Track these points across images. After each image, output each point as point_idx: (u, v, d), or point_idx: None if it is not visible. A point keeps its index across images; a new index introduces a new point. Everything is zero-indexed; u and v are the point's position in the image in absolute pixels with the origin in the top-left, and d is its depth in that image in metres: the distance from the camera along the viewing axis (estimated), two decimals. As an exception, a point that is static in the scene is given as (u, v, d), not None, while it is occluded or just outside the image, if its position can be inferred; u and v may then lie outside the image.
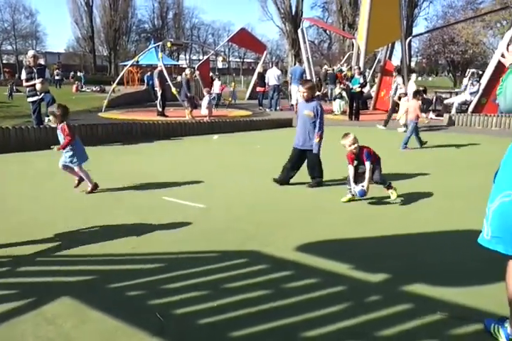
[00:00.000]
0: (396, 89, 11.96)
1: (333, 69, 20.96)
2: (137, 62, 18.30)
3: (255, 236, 3.77)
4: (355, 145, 4.75)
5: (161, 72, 13.60)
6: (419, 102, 8.74)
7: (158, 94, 13.28)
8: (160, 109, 13.37)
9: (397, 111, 11.33)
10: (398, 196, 4.86)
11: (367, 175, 4.68)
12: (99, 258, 3.34)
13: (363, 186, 4.65)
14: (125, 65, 25.91)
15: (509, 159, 2.11)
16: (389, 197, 4.86)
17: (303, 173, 5.62)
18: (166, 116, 12.99)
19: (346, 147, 4.78)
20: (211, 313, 2.55)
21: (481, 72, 15.97)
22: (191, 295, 2.75)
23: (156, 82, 13.48)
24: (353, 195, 4.84)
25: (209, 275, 3.02)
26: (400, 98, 11.23)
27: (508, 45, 2.19)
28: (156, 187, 5.41)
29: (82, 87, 29.61)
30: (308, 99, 5.43)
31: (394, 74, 13.22)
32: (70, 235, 3.76)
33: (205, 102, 12.99)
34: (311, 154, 5.47)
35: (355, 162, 4.82)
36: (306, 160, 5.57)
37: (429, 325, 2.45)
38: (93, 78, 38.82)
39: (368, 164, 4.71)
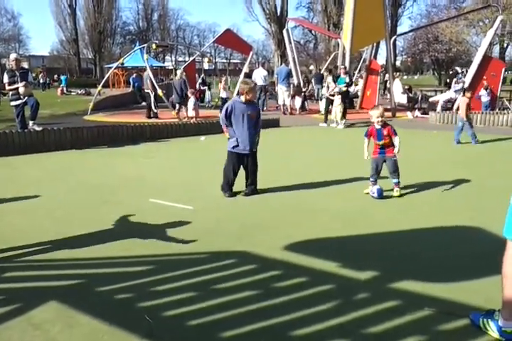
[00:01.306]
0: (328, 87, 12.68)
1: (320, 70, 21.04)
2: (122, 64, 18.15)
3: (244, 237, 3.76)
4: (382, 118, 4.96)
5: (148, 75, 13.57)
6: (467, 100, 8.92)
7: (152, 95, 13.18)
8: (155, 111, 13.27)
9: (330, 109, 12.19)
10: (400, 195, 4.98)
11: (397, 145, 4.99)
12: (86, 261, 3.31)
13: (378, 188, 4.90)
14: (110, 68, 25.70)
15: None
16: (369, 193, 4.97)
17: (290, 174, 5.61)
18: (159, 118, 12.94)
19: (373, 118, 4.96)
20: (201, 314, 2.54)
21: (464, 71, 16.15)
22: (180, 297, 2.74)
23: (148, 84, 13.42)
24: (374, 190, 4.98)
25: (198, 276, 3.01)
26: (332, 95, 12.05)
27: None
28: (144, 189, 5.38)
29: (65, 91, 29.33)
30: (249, 101, 5.06)
31: (325, 73, 13.68)
32: (57, 239, 3.71)
33: (190, 104, 12.94)
34: (253, 157, 5.17)
35: (378, 140, 5.00)
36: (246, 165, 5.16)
37: (417, 321, 2.47)
38: (78, 81, 38.51)
39: (396, 138, 5.00)
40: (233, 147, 5.06)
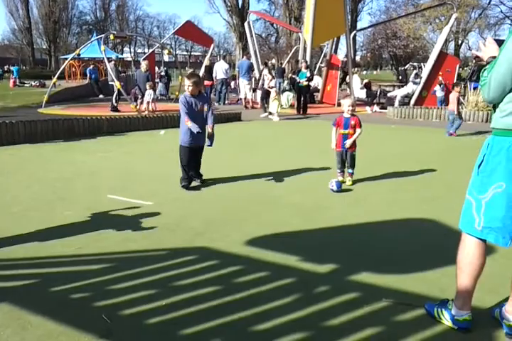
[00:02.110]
0: (264, 80, 13.32)
1: (281, 64, 21.09)
2: (79, 55, 17.55)
3: (204, 233, 3.73)
4: (353, 108, 5.18)
5: (115, 67, 13.25)
6: (457, 94, 9.51)
7: (115, 88, 12.81)
8: (115, 104, 12.94)
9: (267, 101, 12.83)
10: (352, 184, 5.22)
11: (355, 136, 5.19)
12: (40, 260, 3.18)
13: (336, 181, 5.03)
14: (66, 59, 24.87)
15: (493, 152, 2.16)
16: (328, 188, 5.04)
17: (249, 168, 5.60)
18: (119, 111, 12.63)
19: (344, 106, 5.16)
20: (161, 312, 2.50)
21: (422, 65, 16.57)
22: (139, 295, 2.68)
23: (113, 75, 13.08)
24: (343, 179, 5.30)
25: (157, 273, 2.96)
26: (270, 87, 12.67)
27: (485, 39, 2.28)
28: (101, 185, 5.23)
29: (18, 82, 28.16)
30: (196, 94, 5.09)
31: (261, 67, 14.09)
32: (8, 236, 3.56)
33: (147, 97, 12.66)
34: (201, 150, 5.31)
35: (344, 129, 5.21)
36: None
37: (375, 313, 2.52)
38: (32, 72, 37.02)
39: (358, 130, 5.20)
40: (185, 140, 5.13)
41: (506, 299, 2.38)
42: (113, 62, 13.91)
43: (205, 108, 5.12)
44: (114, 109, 12.91)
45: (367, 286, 2.82)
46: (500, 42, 2.27)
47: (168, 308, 2.54)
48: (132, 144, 8.37)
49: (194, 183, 5.31)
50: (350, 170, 5.31)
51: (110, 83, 13.35)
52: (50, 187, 5.08)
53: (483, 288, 2.42)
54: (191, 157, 5.19)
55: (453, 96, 9.49)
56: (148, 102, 12.63)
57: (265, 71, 13.57)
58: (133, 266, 3.07)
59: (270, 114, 12.62)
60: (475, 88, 13.10)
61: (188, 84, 5.02)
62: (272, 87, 12.68)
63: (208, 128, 5.15)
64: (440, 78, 14.28)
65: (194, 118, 5.02)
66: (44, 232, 3.70)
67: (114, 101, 12.96)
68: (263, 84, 13.38)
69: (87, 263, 3.15)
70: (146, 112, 12.24)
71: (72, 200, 4.61)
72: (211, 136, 5.12)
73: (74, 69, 30.43)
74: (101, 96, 18.55)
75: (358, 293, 2.73)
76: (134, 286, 2.79)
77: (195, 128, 4.91)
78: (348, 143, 5.18)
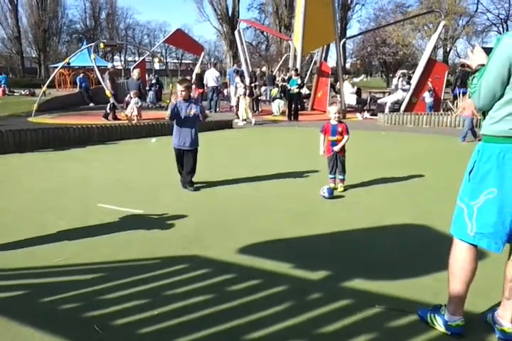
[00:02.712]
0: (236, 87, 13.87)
1: (272, 71, 21.19)
2: (68, 63, 17.53)
3: (195, 241, 3.71)
4: (339, 115, 5.22)
5: (111, 74, 13.20)
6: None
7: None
8: (108, 111, 12.86)
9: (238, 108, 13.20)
10: (344, 190, 5.21)
11: (342, 142, 5.19)
12: (30, 271, 3.14)
13: (328, 188, 5.04)
14: (56, 67, 24.78)
15: (484, 158, 2.17)
16: (320, 195, 5.04)
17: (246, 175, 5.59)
18: (108, 120, 12.58)
19: (331, 114, 5.20)
20: (153, 322, 2.47)
21: (410, 72, 16.74)
22: (131, 305, 2.65)
23: (108, 83, 13.05)
24: (335, 185, 5.29)
25: (149, 282, 2.93)
26: (244, 95, 13.06)
27: (473, 46, 2.33)
28: (92, 193, 5.20)
29: (7, 91, 27.93)
30: (187, 98, 5.36)
31: (234, 74, 14.34)
32: (-3, 248, 3.51)
33: (132, 105, 12.43)
34: (193, 154, 5.45)
35: (332, 136, 5.23)
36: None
37: (368, 319, 2.51)
38: (22, 81, 36.78)
39: (346, 137, 5.22)
40: (174, 142, 5.44)
41: (498, 303, 2.39)
42: (109, 70, 13.80)
43: (194, 111, 5.32)
44: (106, 116, 12.85)
45: (359, 292, 2.81)
46: (487, 50, 2.30)
47: (161, 318, 2.52)
48: (123, 152, 8.34)
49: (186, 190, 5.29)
50: (341, 177, 5.32)
51: (108, 91, 13.24)
52: (38, 197, 5.03)
53: (475, 293, 2.42)
54: (180, 159, 5.46)
55: (470, 102, 9.61)
56: (133, 109, 12.35)
57: (237, 79, 13.81)
58: (124, 275, 3.04)
59: (245, 120, 12.84)
60: (462, 93, 13.28)
61: (180, 89, 5.29)
62: (247, 94, 13.02)
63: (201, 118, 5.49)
64: (430, 84, 14.42)
65: (183, 122, 5.34)
66: (33, 242, 3.65)
67: (108, 108, 12.84)
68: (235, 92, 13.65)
69: (77, 273, 3.11)
70: (136, 120, 12.15)
71: (61, 210, 4.56)
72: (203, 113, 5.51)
73: (64, 77, 30.30)
74: (91, 104, 18.46)
75: (351, 300, 2.72)
76: (126, 296, 2.76)
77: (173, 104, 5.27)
78: (336, 149, 5.20)
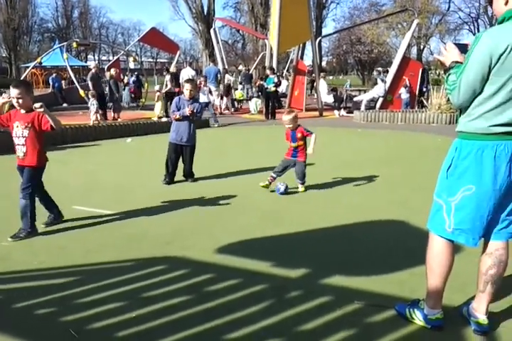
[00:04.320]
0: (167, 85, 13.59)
1: (249, 70, 21.15)
2: (40, 63, 17.17)
3: (172, 241, 3.67)
4: (291, 125, 5.05)
5: (93, 75, 12.91)
6: None
7: (93, 97, 12.33)
8: (101, 111, 12.51)
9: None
10: (305, 190, 5.18)
11: (312, 142, 5.05)
12: (3, 276, 3.05)
13: (282, 184, 5.03)
14: (27, 67, 24.24)
15: (462, 155, 2.18)
16: (297, 192, 5.09)
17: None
18: (107, 119, 12.34)
19: (287, 122, 5.06)
20: (131, 324, 2.43)
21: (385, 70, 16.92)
22: (107, 308, 2.60)
23: (90, 84, 12.71)
24: (268, 184, 5.18)
25: (125, 285, 2.88)
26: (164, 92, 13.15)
27: (444, 43, 2.30)
28: (65, 196, 5.07)
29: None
30: (192, 97, 5.74)
31: (164, 72, 14.47)
32: (-33, 253, 3.41)
33: (91, 107, 11.77)
34: (191, 149, 5.80)
35: (292, 142, 5.13)
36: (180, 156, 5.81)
37: (348, 315, 2.52)
38: (-8, 81, 35.90)
39: (313, 136, 5.06)
40: (172, 137, 5.77)
41: (473, 297, 2.42)
42: (93, 69, 13.46)
43: (194, 110, 5.64)
44: (104, 116, 12.56)
45: (338, 289, 2.82)
46: (460, 47, 2.31)
47: (139, 320, 2.48)
48: (97, 153, 8.20)
49: (171, 185, 5.23)
50: (300, 181, 5.19)
51: (92, 91, 12.92)
52: (10, 199, 4.89)
53: (451, 287, 2.45)
54: (174, 154, 5.72)
55: None
56: (94, 113, 11.69)
57: (167, 77, 13.79)
58: (100, 278, 2.98)
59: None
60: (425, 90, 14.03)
61: (189, 88, 5.66)
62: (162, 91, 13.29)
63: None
64: (407, 80, 14.62)
65: (182, 119, 5.66)
66: (4, 246, 3.56)
67: (99, 109, 12.46)
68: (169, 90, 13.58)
69: (52, 277, 3.04)
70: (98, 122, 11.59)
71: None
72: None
73: (36, 77, 29.66)
74: (65, 104, 18.11)
75: (330, 297, 2.72)
76: (102, 299, 2.71)
77: (185, 113, 5.58)
78: (309, 151, 5.05)
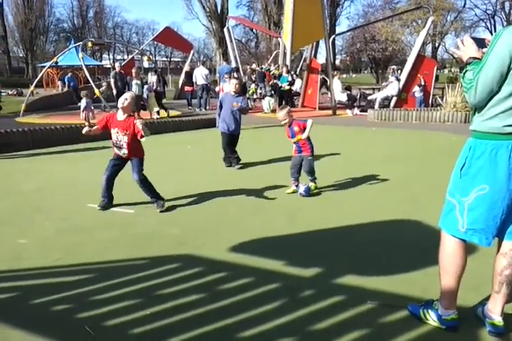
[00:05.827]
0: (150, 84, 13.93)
1: (262, 68, 21.14)
2: (56, 63, 17.36)
3: (186, 240, 3.69)
4: (286, 121, 5.05)
5: (116, 74, 13.34)
6: None
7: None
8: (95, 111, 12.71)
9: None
10: (316, 188, 5.13)
11: (307, 128, 4.97)
12: (18, 273, 3.11)
13: (305, 184, 4.98)
14: (44, 67, 24.55)
15: (476, 155, 2.16)
16: (313, 191, 5.04)
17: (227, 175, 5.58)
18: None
19: (282, 118, 5.07)
20: (145, 322, 2.46)
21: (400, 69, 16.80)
22: (122, 305, 2.64)
23: (112, 82, 13.27)
24: (295, 188, 5.08)
25: (140, 283, 2.91)
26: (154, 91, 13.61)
27: (460, 38, 2.23)
28: (81, 194, 5.15)
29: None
30: (238, 92, 6.48)
31: (135, 70, 14.04)
32: (-15, 250, 3.47)
33: (82, 106, 11.65)
34: (236, 137, 6.65)
35: (292, 138, 5.10)
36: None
37: (361, 315, 2.51)
38: (9, 81, 36.40)
39: (309, 122, 5.01)
40: (220, 127, 6.60)
41: (488, 297, 2.40)
42: (117, 68, 13.74)
43: (239, 104, 6.40)
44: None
45: (351, 289, 2.81)
46: (477, 41, 2.24)
47: (153, 317, 2.50)
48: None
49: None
50: (310, 177, 5.15)
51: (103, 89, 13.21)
52: (26, 199, 4.97)
53: (465, 287, 2.43)
54: (226, 141, 6.53)
55: None
56: (83, 112, 11.41)
57: (153, 77, 14.06)
58: (115, 275, 3.02)
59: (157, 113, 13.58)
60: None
61: (235, 82, 6.48)
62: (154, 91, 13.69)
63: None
64: (421, 78, 14.48)
65: (224, 111, 6.49)
66: (20, 244, 3.62)
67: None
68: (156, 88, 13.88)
69: (68, 274, 3.08)
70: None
71: (50, 211, 4.52)
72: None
73: (52, 77, 30.03)
74: (80, 104, 18.28)
75: (343, 296, 2.72)
76: (117, 296, 2.74)
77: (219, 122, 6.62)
78: (304, 135, 4.96)
